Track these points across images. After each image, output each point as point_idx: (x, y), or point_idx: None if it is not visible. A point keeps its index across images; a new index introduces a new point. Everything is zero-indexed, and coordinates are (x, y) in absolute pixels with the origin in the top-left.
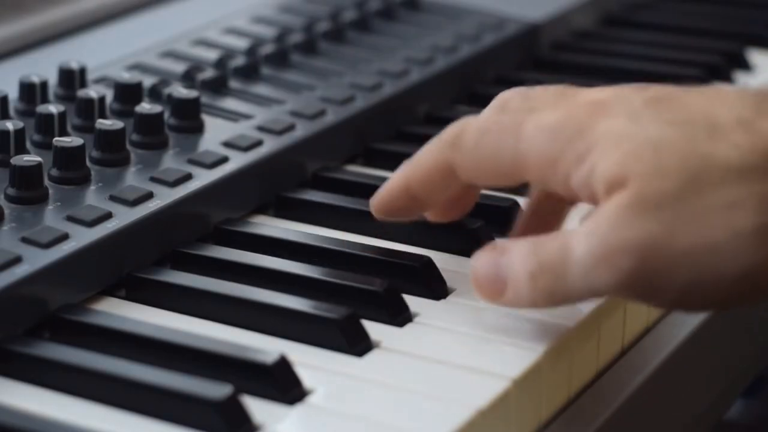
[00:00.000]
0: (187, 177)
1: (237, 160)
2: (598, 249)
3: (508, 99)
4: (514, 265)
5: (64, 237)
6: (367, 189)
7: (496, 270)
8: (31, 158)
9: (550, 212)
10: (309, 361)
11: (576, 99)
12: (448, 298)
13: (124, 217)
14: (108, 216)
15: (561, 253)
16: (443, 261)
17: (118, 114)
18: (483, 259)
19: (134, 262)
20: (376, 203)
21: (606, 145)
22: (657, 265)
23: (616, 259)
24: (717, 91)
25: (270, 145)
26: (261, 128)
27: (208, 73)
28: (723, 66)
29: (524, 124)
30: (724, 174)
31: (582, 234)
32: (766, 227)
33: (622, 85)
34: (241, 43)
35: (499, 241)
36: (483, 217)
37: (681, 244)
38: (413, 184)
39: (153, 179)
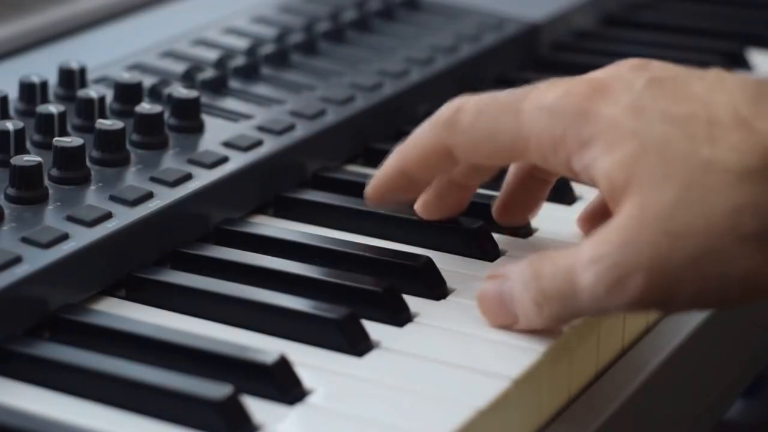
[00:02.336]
0: (187, 177)
1: (237, 160)
2: (607, 275)
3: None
4: (517, 295)
5: (64, 237)
6: None
7: (500, 301)
8: (31, 158)
9: (534, 188)
10: (309, 361)
11: (575, 79)
12: (448, 298)
13: (124, 217)
14: (108, 216)
15: (566, 281)
16: (443, 261)
17: (118, 114)
18: (487, 292)
19: (134, 262)
20: (370, 189)
21: (610, 140)
22: (666, 278)
23: (626, 282)
24: (718, 77)
25: (270, 145)
26: (261, 128)
27: (208, 73)
28: (723, 66)
29: (523, 102)
30: (724, 178)
31: (587, 260)
32: (766, 230)
33: (620, 62)
34: (241, 43)
35: (500, 268)
36: (483, 217)
37: (687, 254)
38: (409, 166)
39: (153, 179)
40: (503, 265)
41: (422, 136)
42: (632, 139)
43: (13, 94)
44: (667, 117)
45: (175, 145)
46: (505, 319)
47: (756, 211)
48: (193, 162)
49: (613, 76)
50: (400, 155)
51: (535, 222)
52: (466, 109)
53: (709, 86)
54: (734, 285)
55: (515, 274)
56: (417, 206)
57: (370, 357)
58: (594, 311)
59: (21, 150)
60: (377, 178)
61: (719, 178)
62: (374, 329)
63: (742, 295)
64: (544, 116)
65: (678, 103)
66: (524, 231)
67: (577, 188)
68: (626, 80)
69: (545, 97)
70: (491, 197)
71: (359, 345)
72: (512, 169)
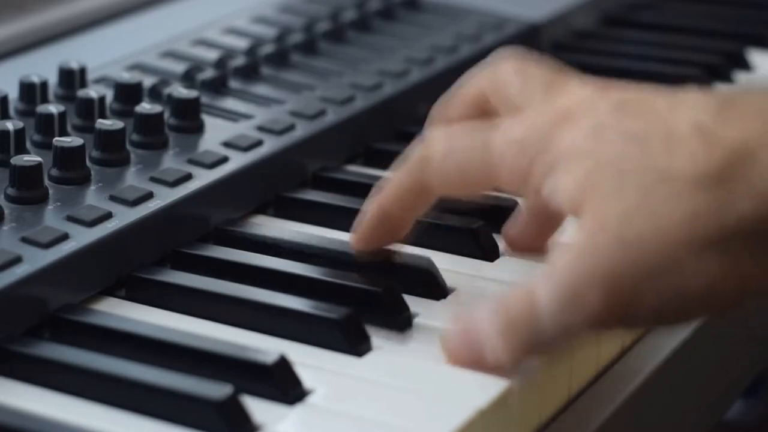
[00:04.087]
0: (187, 177)
1: (237, 160)
2: (562, 290)
3: (505, 78)
4: (483, 329)
5: (64, 237)
6: (367, 189)
7: (466, 340)
8: (31, 158)
9: (546, 217)
10: (309, 361)
11: (556, 99)
12: (448, 298)
13: (124, 217)
14: (108, 216)
15: (527, 303)
16: (443, 261)
17: (118, 114)
18: (452, 330)
19: (134, 262)
20: (355, 237)
21: (567, 161)
22: (623, 292)
23: (583, 298)
24: (683, 94)
25: (270, 145)
26: (261, 128)
27: (208, 73)
28: (723, 66)
29: (493, 137)
30: (680, 186)
31: (543, 279)
32: (725, 238)
33: (595, 86)
34: (241, 43)
35: (462, 312)
36: (483, 217)
37: (643, 266)
38: (388, 207)
39: (153, 179)
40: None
41: (397, 177)
42: (589, 158)
43: (13, 94)
44: (625, 135)
45: (175, 145)
46: (473, 358)
47: (712, 219)
48: (193, 162)
49: (579, 102)
50: (379, 198)
51: None
52: (437, 145)
53: (672, 102)
54: (694, 298)
55: (480, 310)
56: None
57: (370, 357)
58: (558, 333)
59: (21, 150)
60: (360, 225)
61: (674, 186)
62: (374, 329)
63: (705, 308)
64: (513, 149)
65: (637, 122)
66: None
67: None
68: (592, 105)
69: (513, 131)
70: (492, 197)
71: (359, 345)
72: (522, 206)
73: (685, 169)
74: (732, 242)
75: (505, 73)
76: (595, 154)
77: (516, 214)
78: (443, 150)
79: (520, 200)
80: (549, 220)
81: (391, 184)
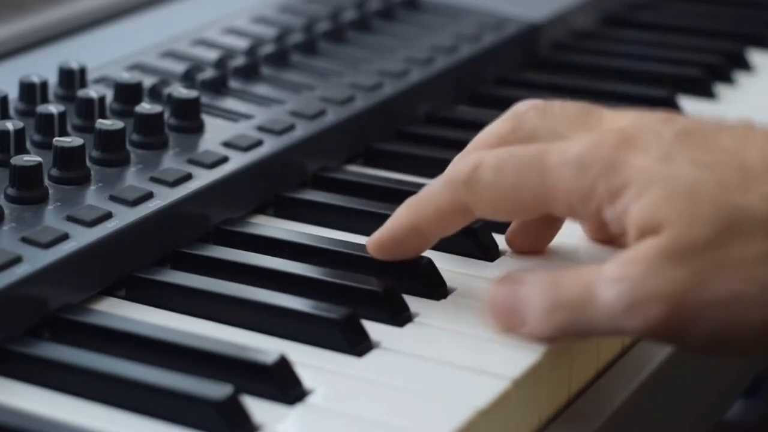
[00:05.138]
0: (187, 177)
1: (237, 160)
2: (629, 296)
3: (523, 114)
4: (532, 300)
5: (64, 237)
6: (367, 189)
7: (514, 303)
8: (31, 158)
9: (545, 225)
10: (309, 361)
11: (600, 126)
12: (448, 298)
13: (124, 217)
14: (108, 216)
15: (585, 295)
16: (443, 261)
17: (118, 114)
18: (501, 290)
19: (134, 262)
20: (377, 243)
21: (640, 186)
22: (685, 314)
23: (646, 308)
24: (748, 128)
25: (270, 145)
26: (261, 128)
27: (208, 73)
28: (723, 66)
29: (547, 156)
30: (755, 227)
31: (611, 279)
32: None
33: (645, 113)
34: (241, 43)
35: (517, 272)
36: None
37: (710, 294)
38: (423, 224)
39: (153, 179)
40: (514, 269)
41: (438, 193)
42: (662, 184)
43: (13, 94)
44: (697, 164)
45: (175, 145)
46: (513, 322)
47: None
48: (193, 162)
49: (641, 128)
50: (413, 212)
51: None
52: (484, 167)
53: (739, 139)
54: (753, 332)
55: (532, 279)
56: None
57: (370, 357)
58: (606, 329)
59: (21, 150)
60: (385, 233)
61: (750, 226)
62: (374, 329)
63: (759, 344)
64: (572, 169)
65: (708, 153)
66: None
67: None
68: (654, 131)
69: (570, 150)
70: None
71: (359, 345)
72: None
73: (762, 211)
74: None
75: (525, 111)
76: (668, 181)
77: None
78: (492, 172)
79: None
80: (551, 223)
81: (430, 203)
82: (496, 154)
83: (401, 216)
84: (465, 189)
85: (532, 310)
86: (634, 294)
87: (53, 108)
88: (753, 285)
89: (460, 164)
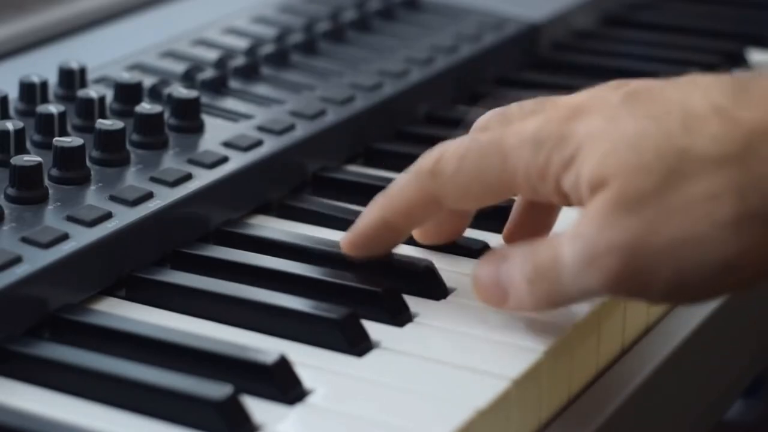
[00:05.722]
0: (187, 177)
1: (237, 160)
2: (584, 252)
3: (486, 120)
4: (512, 272)
5: (64, 237)
6: (367, 189)
7: (497, 278)
8: (31, 158)
9: (541, 213)
10: (309, 361)
11: (554, 105)
12: (448, 298)
13: (124, 217)
14: (108, 216)
15: (552, 258)
16: (443, 261)
17: (118, 114)
18: (485, 267)
19: (134, 262)
20: (350, 240)
21: (587, 148)
22: (642, 262)
23: (602, 261)
24: (693, 78)
25: (270, 145)
26: (261, 128)
27: (208, 73)
28: (723, 66)
29: (505, 139)
30: (701, 166)
31: (568, 238)
32: (745, 216)
33: (600, 85)
34: (241, 43)
35: (499, 249)
36: (482, 217)
37: (663, 239)
38: (393, 217)
39: (153, 179)
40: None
41: (405, 187)
42: (607, 139)
43: (13, 94)
44: (642, 117)
45: (175, 145)
46: (498, 298)
47: (733, 197)
48: (193, 162)
49: (591, 97)
50: (383, 207)
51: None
52: (447, 156)
53: (684, 89)
54: (711, 274)
55: (514, 252)
56: (415, 234)
57: (370, 357)
58: (575, 291)
59: (21, 150)
60: (357, 230)
61: (696, 165)
62: (374, 329)
63: (721, 286)
64: (529, 147)
65: (653, 107)
66: None
67: None
68: (602, 98)
69: (525, 130)
70: None
71: (359, 345)
72: (517, 201)
73: (707, 149)
74: (752, 221)
75: (488, 118)
76: (615, 135)
77: (513, 213)
78: (455, 160)
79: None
80: (544, 219)
81: (399, 196)
82: (459, 143)
83: (371, 212)
84: (431, 179)
85: (514, 283)
86: (589, 249)
87: (53, 108)
88: (703, 223)
89: (425, 156)
